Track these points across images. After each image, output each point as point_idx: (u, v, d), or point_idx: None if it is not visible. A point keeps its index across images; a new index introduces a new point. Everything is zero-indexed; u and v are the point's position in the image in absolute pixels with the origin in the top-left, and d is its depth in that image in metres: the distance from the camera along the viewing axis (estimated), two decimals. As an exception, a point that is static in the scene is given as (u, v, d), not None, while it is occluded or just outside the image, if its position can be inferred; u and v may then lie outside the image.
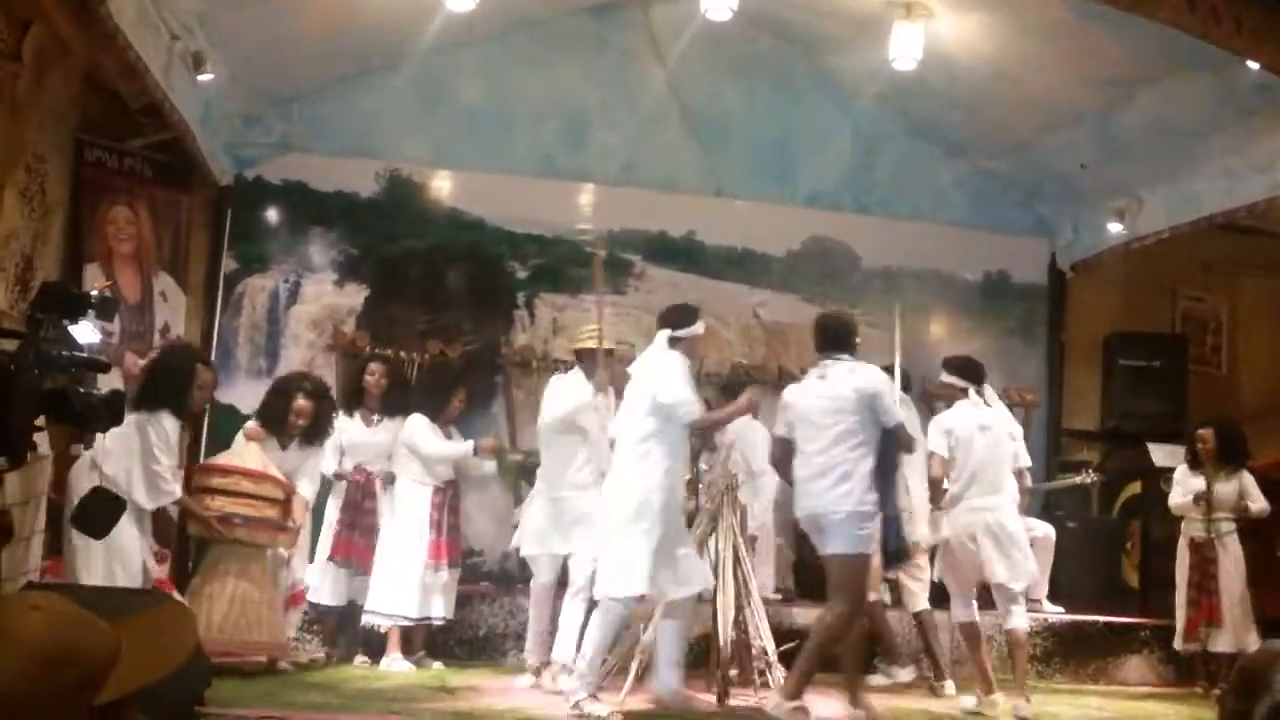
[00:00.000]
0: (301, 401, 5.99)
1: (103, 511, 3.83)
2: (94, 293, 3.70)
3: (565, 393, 6.04)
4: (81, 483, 5.28)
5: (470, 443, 6.53)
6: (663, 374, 5.29)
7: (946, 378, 6.17)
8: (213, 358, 7.99)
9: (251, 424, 6.04)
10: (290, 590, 6.12)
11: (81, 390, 3.41)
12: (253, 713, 4.55)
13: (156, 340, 7.70)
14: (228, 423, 6.92)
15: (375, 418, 6.60)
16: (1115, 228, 8.62)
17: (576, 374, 6.17)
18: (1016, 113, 8.17)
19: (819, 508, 5.12)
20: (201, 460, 6.75)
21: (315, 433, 6.09)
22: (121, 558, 5.22)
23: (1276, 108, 6.80)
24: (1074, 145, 8.21)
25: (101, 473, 5.25)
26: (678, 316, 5.51)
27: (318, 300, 8.33)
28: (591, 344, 6.10)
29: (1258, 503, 7.10)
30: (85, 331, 3.77)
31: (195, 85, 6.89)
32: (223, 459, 5.94)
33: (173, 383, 5.58)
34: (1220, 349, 9.74)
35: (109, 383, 5.62)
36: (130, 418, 5.45)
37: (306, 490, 6.06)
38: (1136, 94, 7.34)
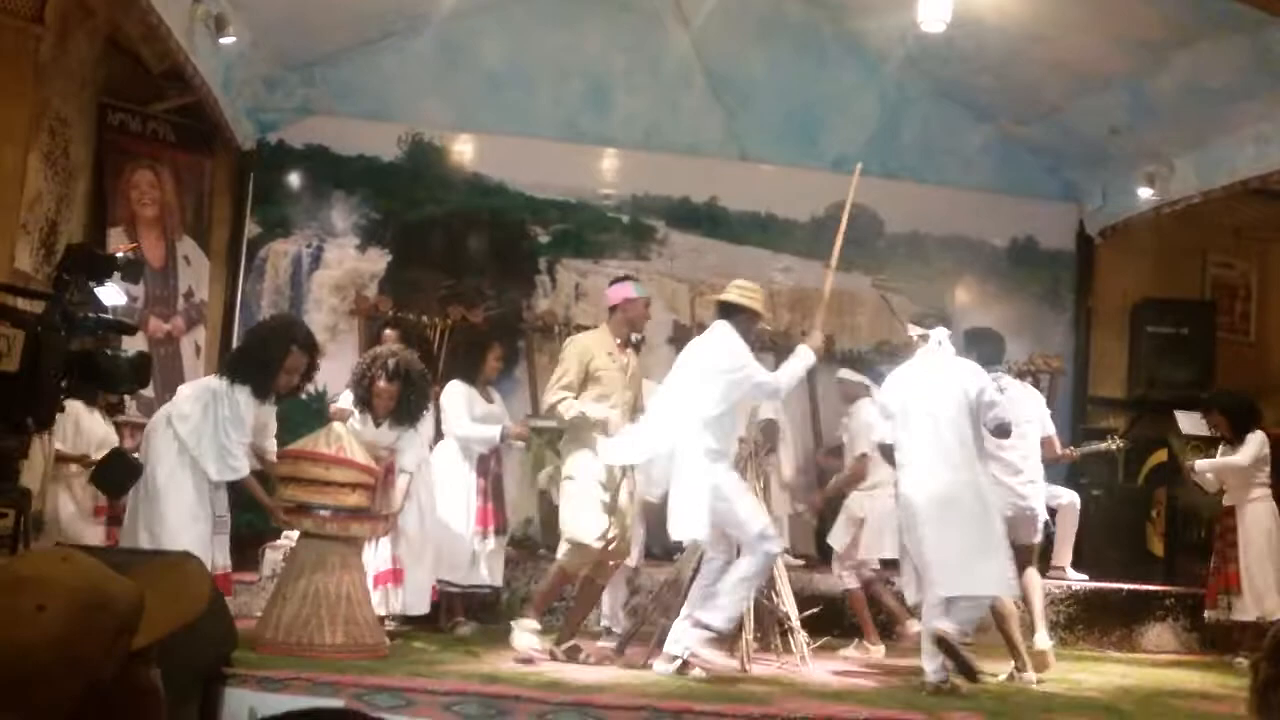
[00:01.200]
0: (381, 384, 5.72)
1: (120, 472, 3.83)
2: (120, 254, 3.69)
3: (739, 352, 5.44)
4: (155, 440, 5.26)
5: (498, 428, 6.36)
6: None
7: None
8: (236, 323, 8.04)
9: (335, 404, 5.84)
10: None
11: (108, 352, 3.41)
12: (279, 674, 4.57)
13: (180, 305, 7.73)
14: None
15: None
16: (1145, 193, 8.49)
17: (726, 330, 5.49)
18: (1046, 76, 8.04)
19: (1035, 506, 5.86)
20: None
21: (405, 413, 5.77)
22: (194, 518, 5.19)
23: (1312, 71, 6.67)
24: (1104, 109, 8.09)
25: (176, 431, 5.23)
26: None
27: (340, 265, 8.33)
28: (755, 305, 5.62)
29: (1240, 456, 6.94)
30: (111, 293, 3.77)
31: (217, 48, 6.87)
32: (297, 445, 5.51)
33: (259, 360, 5.39)
34: (1249, 316, 9.62)
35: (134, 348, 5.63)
36: (211, 384, 5.42)
37: (407, 465, 5.78)
38: (1169, 57, 7.20)
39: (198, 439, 5.24)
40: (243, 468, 5.33)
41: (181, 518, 5.16)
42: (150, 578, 1.34)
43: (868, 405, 6.59)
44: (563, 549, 5.60)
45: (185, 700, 3.80)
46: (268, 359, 5.40)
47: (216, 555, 5.24)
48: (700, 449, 5.29)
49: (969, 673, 5.17)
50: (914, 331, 5.69)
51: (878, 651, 6.49)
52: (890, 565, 6.67)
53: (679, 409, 5.37)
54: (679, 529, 5.40)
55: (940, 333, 5.58)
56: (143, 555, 4.21)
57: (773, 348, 8.18)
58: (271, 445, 5.63)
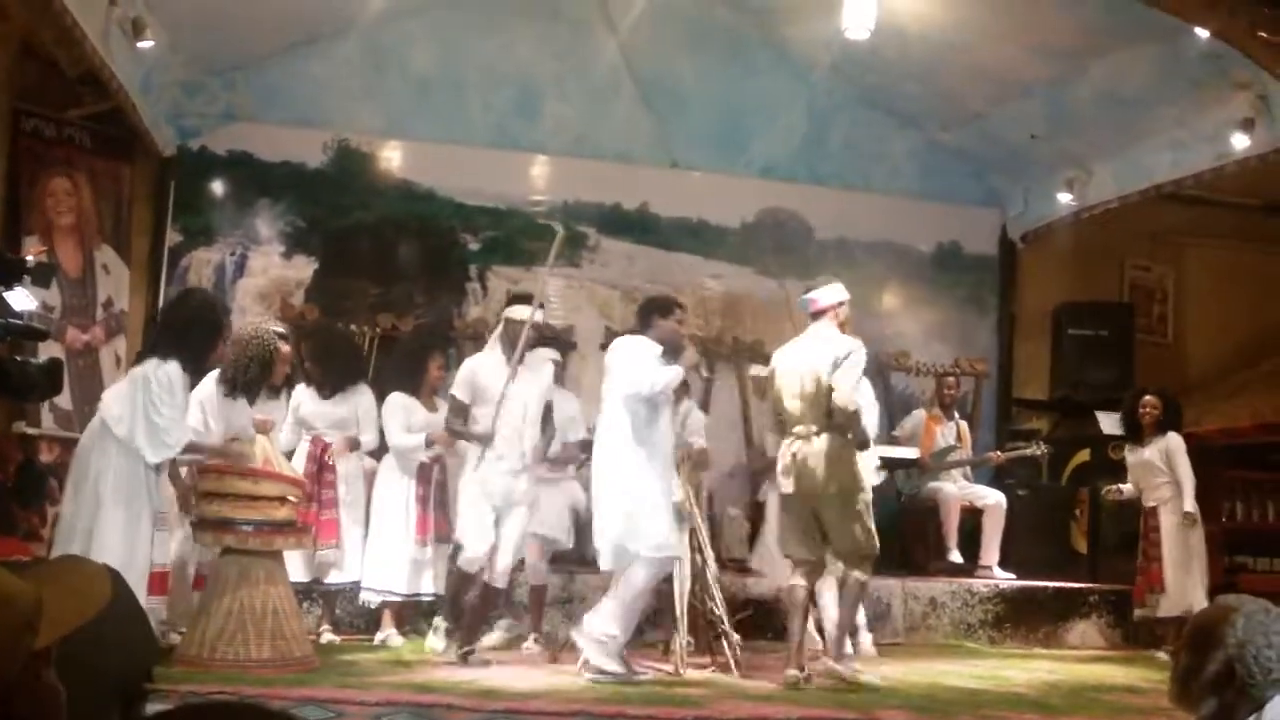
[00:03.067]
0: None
1: (31, 483, 3.72)
2: (29, 258, 3.58)
3: None
4: (92, 450, 5.00)
5: (422, 436, 6.24)
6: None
7: None
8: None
9: (260, 415, 5.67)
10: None
11: (19, 359, 3.30)
12: (204, 689, 4.46)
13: (99, 315, 7.53)
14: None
15: (326, 390, 6.44)
16: (1065, 198, 8.70)
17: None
18: (969, 84, 8.19)
19: None
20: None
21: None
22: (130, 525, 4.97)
23: (1223, 78, 6.87)
24: (1025, 116, 8.26)
25: (113, 434, 4.97)
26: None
27: (265, 273, 8.19)
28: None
29: (1188, 480, 7.06)
30: (20, 299, 3.64)
31: (135, 52, 6.70)
32: (220, 459, 5.38)
33: (193, 333, 5.17)
34: (1166, 318, 9.87)
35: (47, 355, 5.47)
36: (134, 373, 5.14)
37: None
38: (1087, 65, 7.38)
39: (130, 429, 4.99)
40: (176, 443, 5.10)
41: (119, 526, 4.93)
42: (47, 578, 1.30)
43: None
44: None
45: (104, 717, 3.69)
46: (203, 331, 5.23)
47: (156, 552, 5.08)
48: None
49: None
50: None
51: None
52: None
53: None
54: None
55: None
56: (33, 561, 4.05)
57: (704, 354, 8.19)
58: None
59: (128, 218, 7.89)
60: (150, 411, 5.01)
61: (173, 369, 5.08)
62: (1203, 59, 6.72)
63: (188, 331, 5.20)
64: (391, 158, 8.56)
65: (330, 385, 6.26)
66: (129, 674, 3.81)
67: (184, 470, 5.54)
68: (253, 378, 5.51)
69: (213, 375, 5.55)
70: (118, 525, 4.93)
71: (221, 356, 5.41)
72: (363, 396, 6.40)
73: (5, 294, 3.40)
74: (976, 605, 7.49)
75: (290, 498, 5.37)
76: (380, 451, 6.50)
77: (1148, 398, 7.35)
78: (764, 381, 6.99)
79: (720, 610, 5.90)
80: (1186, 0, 5.77)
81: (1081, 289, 9.43)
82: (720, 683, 5.46)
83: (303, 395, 6.35)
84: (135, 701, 3.96)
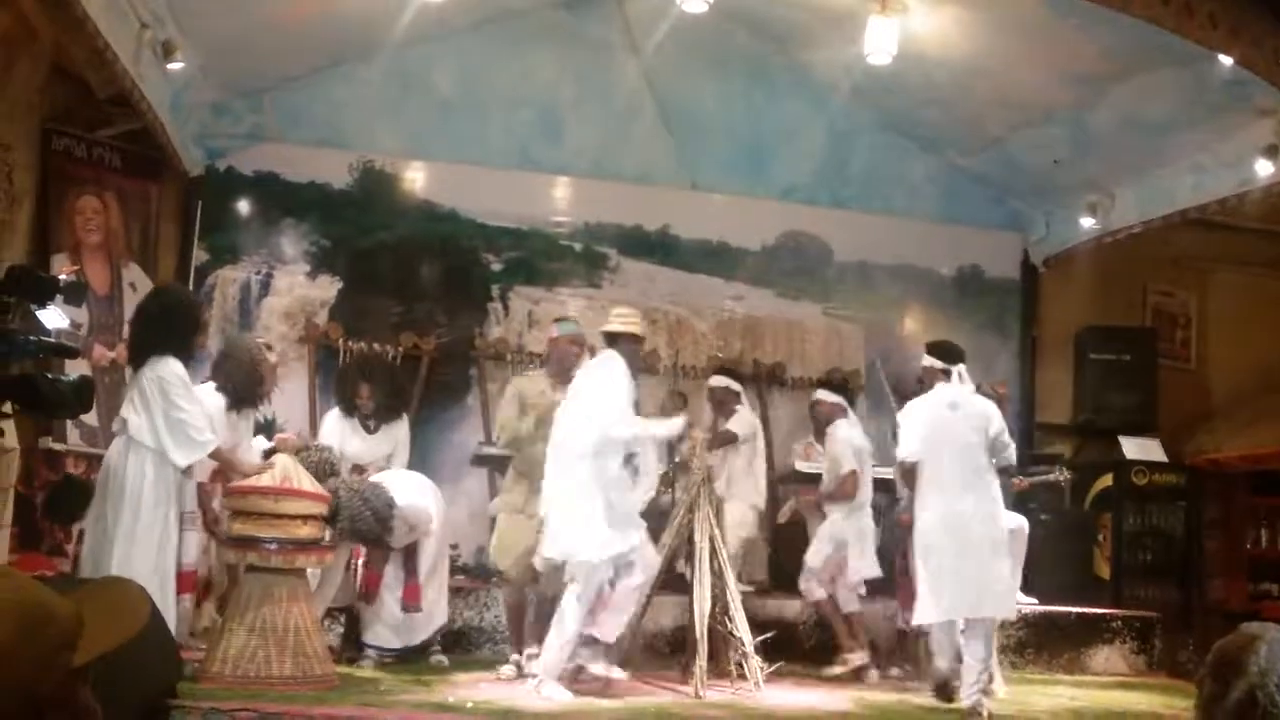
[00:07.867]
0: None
1: (71, 499, 3.77)
2: (62, 277, 3.64)
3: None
4: (126, 467, 4.94)
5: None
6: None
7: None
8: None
9: (283, 434, 5.70)
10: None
11: (49, 376, 3.35)
12: (225, 705, 4.49)
13: (125, 332, 7.60)
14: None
15: (371, 423, 6.45)
16: (1087, 222, 8.69)
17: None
18: (990, 108, 8.20)
19: None
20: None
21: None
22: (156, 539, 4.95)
23: (1246, 103, 6.87)
24: (1047, 141, 8.26)
25: (143, 448, 4.95)
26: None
27: (290, 292, 8.26)
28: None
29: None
30: (53, 317, 3.69)
31: (165, 74, 6.81)
32: (242, 480, 5.37)
33: (171, 326, 5.12)
34: (1189, 343, 9.82)
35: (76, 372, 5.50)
36: (138, 380, 5.04)
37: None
38: (1109, 90, 7.38)
39: (155, 434, 4.96)
40: (206, 441, 5.06)
41: (155, 535, 4.93)
42: (88, 597, 1.32)
43: (845, 425, 6.79)
44: None
45: (127, 732, 3.72)
46: (186, 322, 5.23)
47: (184, 553, 5.11)
48: None
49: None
50: (932, 364, 5.83)
51: (861, 657, 6.51)
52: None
53: None
54: None
55: (961, 368, 5.76)
56: (74, 580, 4.09)
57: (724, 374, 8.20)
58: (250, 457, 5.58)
59: (155, 236, 7.98)
60: (171, 410, 4.96)
61: (176, 364, 5.04)
62: (1226, 85, 6.71)
63: (172, 326, 5.13)
64: (415, 178, 8.63)
65: (377, 418, 6.42)
66: (153, 689, 3.84)
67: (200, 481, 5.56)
68: (244, 390, 5.58)
69: (210, 387, 5.61)
70: (154, 534, 4.94)
71: (203, 345, 5.47)
72: (400, 429, 6.55)
73: (38, 312, 3.45)
74: (998, 630, 7.42)
75: (314, 515, 5.40)
76: None
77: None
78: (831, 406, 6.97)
79: (741, 632, 5.89)
80: (1209, 28, 5.76)
81: (1104, 313, 9.40)
82: (740, 705, 5.44)
83: (344, 427, 6.39)
84: (158, 715, 4.00)
